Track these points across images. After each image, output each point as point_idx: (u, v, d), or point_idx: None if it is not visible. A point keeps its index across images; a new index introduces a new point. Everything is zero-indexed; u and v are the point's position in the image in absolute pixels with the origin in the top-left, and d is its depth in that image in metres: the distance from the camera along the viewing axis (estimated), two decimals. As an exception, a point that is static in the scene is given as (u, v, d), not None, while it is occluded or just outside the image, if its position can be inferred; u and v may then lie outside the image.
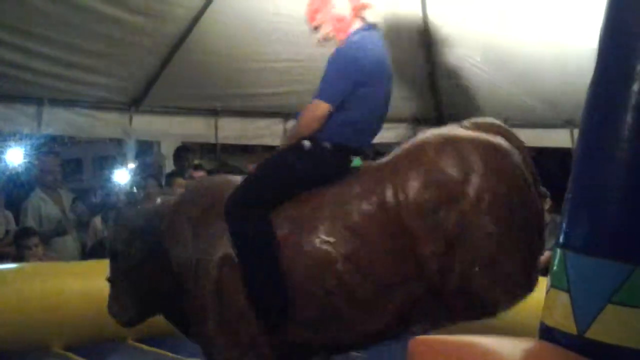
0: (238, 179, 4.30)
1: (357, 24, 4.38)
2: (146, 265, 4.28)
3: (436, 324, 3.98)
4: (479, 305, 3.83)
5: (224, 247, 3.99)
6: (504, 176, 3.78)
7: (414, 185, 3.78)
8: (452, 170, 3.76)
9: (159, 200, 4.52)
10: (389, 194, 3.81)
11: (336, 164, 4.14)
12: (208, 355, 4.23)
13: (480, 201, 3.70)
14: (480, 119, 4.14)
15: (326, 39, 4.42)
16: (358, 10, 4.41)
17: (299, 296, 3.89)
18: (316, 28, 4.44)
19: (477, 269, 3.70)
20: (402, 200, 3.77)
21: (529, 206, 3.85)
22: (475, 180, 3.72)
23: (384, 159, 4.07)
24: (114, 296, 4.54)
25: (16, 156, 7.98)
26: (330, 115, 4.12)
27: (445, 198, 3.72)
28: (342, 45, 4.29)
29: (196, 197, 4.36)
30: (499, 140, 3.90)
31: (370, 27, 4.44)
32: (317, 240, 3.87)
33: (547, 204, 6.02)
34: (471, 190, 3.71)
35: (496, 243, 3.70)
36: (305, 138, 4.15)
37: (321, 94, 4.17)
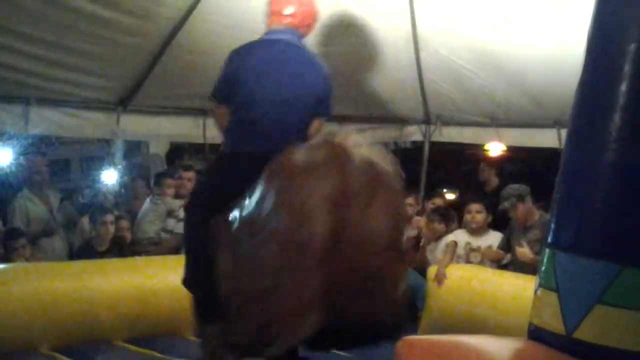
0: None
1: (275, 26, 4.54)
2: None
3: None
4: None
5: None
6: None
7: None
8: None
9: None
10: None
11: (237, 170, 4.26)
12: None
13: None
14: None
15: None
16: (278, 16, 4.57)
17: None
18: None
19: None
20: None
21: None
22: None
23: None
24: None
25: (3, 156, 7.93)
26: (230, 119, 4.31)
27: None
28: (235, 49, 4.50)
29: None
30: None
31: (289, 31, 4.52)
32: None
33: (528, 204, 6.04)
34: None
35: None
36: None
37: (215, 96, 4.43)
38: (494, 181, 8.45)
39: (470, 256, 6.98)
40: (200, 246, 4.17)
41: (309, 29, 4.71)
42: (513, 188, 6.76)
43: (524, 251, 6.39)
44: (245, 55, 4.38)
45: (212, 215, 4.17)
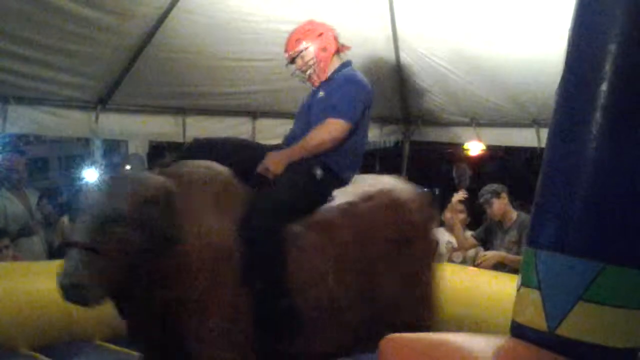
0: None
1: (336, 61, 4.63)
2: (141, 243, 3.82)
3: None
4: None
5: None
6: None
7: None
8: None
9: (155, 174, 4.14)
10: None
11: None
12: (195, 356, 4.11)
13: None
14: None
15: (303, 70, 4.61)
16: (341, 49, 4.68)
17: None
18: (293, 57, 4.62)
19: None
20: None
21: None
22: None
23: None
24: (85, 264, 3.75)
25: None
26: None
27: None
28: (353, 71, 4.55)
29: (201, 185, 4.16)
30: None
31: (348, 64, 4.67)
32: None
33: (505, 201, 6.13)
34: None
35: None
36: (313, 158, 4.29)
37: (343, 114, 4.29)
38: (467, 180, 8.49)
39: (452, 255, 7.02)
40: (281, 263, 4.04)
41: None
42: (489, 185, 6.83)
43: (485, 257, 6.51)
44: (367, 86, 4.54)
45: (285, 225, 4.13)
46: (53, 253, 7.30)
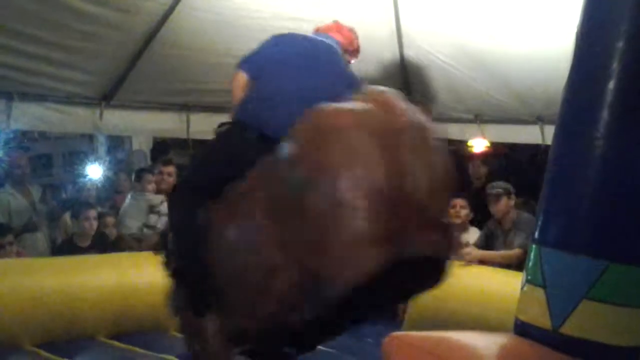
0: None
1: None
2: None
3: None
4: None
5: None
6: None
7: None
8: None
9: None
10: None
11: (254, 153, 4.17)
12: None
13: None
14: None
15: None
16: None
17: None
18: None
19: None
20: None
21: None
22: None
23: None
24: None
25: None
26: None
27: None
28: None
29: None
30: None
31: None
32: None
33: (512, 201, 6.12)
34: None
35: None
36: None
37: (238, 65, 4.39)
38: (482, 179, 8.50)
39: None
40: (195, 231, 4.01)
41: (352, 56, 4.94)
42: (502, 182, 6.82)
43: (468, 251, 6.53)
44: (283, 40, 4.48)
45: (205, 199, 4.05)
46: (56, 249, 7.31)
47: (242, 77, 4.28)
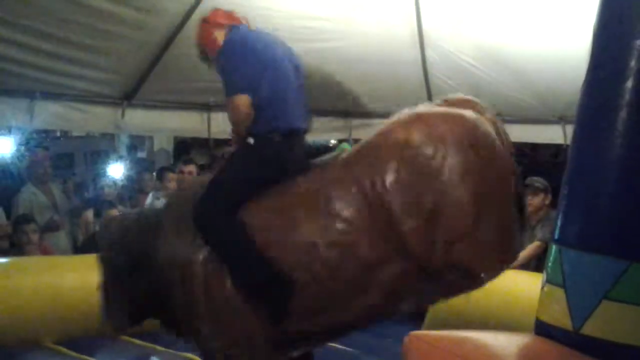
0: None
1: (222, 35, 4.47)
2: (136, 271, 4.21)
3: (428, 300, 4.03)
4: (465, 277, 3.88)
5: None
6: (474, 147, 3.79)
7: (387, 165, 3.82)
8: (422, 145, 3.79)
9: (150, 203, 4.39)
10: (365, 176, 3.87)
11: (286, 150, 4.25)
12: (206, 355, 4.25)
13: (452, 174, 3.74)
14: (451, 95, 4.18)
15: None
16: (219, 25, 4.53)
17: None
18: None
19: (458, 241, 3.72)
20: (377, 181, 3.81)
21: (502, 175, 3.86)
22: (446, 154, 3.75)
23: (360, 142, 4.22)
24: (106, 301, 4.38)
25: (6, 150, 7.95)
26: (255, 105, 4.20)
27: (418, 174, 3.76)
28: (226, 40, 4.40)
29: (180, 200, 4.35)
30: (468, 112, 3.93)
31: (236, 27, 4.52)
32: (300, 230, 3.93)
33: (548, 199, 6.08)
34: (443, 163, 3.74)
35: (473, 214, 3.73)
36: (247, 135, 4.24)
37: (230, 90, 4.27)
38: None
39: None
40: (243, 245, 3.99)
41: None
42: (543, 179, 6.78)
43: None
44: (252, 43, 4.40)
45: (236, 206, 4.08)
46: (78, 248, 7.35)
47: (243, 98, 4.21)
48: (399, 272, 3.84)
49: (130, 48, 6.85)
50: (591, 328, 2.52)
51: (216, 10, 4.58)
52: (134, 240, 4.25)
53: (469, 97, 4.18)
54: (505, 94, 7.70)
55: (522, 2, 6.45)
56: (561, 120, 7.68)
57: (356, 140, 9.45)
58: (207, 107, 7.91)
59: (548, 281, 2.71)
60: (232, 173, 4.25)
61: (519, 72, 7.29)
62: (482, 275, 3.93)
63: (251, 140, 4.21)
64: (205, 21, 4.57)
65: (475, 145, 3.80)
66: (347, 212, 3.87)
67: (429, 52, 7.60)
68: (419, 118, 3.97)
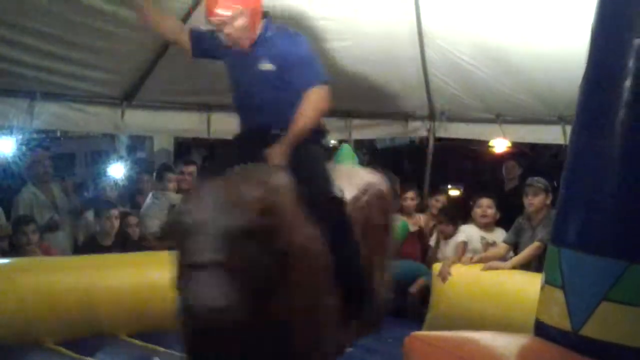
0: None
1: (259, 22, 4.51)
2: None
3: None
4: None
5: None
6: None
7: None
8: None
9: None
10: None
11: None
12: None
13: None
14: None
15: (238, 34, 4.44)
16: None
17: None
18: (226, 20, 4.40)
19: None
20: None
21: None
22: None
23: None
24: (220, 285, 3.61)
25: (7, 150, 7.95)
26: None
27: None
28: (299, 33, 4.54)
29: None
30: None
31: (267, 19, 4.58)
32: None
33: (549, 199, 6.11)
34: None
35: None
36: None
37: (320, 79, 4.35)
38: (515, 180, 8.54)
39: (489, 250, 6.98)
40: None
41: None
42: (544, 179, 6.78)
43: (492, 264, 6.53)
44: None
45: None
46: (78, 248, 7.36)
47: (328, 91, 4.34)
48: None
49: (130, 48, 6.85)
50: (590, 329, 2.52)
51: None
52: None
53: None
54: (505, 93, 7.71)
55: (521, 1, 6.44)
56: (561, 120, 7.69)
57: (357, 141, 9.50)
58: (207, 108, 7.91)
59: (547, 282, 2.71)
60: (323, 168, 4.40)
61: (519, 72, 7.29)
62: None
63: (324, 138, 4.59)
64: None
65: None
66: None
67: (428, 52, 7.59)
68: None
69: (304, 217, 4.02)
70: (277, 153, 4.18)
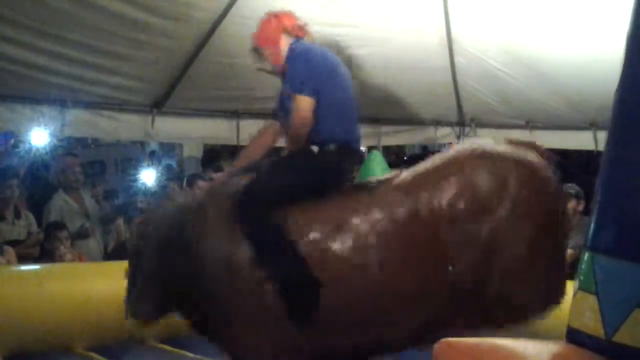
0: None
1: (285, 42, 4.49)
2: (169, 261, 4.12)
3: (475, 329, 4.02)
4: (516, 312, 3.93)
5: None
6: (535, 189, 3.90)
7: (448, 196, 3.87)
8: (487, 183, 3.87)
9: (186, 196, 4.31)
10: (423, 202, 3.89)
11: (342, 163, 4.32)
12: (237, 358, 4.20)
13: (514, 214, 3.81)
14: (514, 138, 4.37)
15: (267, 68, 4.59)
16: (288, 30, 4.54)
17: (327, 300, 3.90)
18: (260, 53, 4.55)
19: (514, 278, 3.80)
20: (436, 210, 3.85)
21: (557, 221, 3.98)
22: (509, 193, 3.83)
23: (415, 168, 4.14)
24: (133, 292, 4.26)
25: (38, 157, 8.03)
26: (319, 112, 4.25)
27: (479, 209, 3.83)
28: (298, 49, 4.43)
29: (226, 192, 4.24)
30: (531, 155, 4.03)
31: (299, 39, 4.54)
32: (346, 245, 3.92)
33: (581, 205, 6.06)
34: (506, 202, 3.82)
35: (531, 253, 3.83)
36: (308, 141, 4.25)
37: (294, 89, 4.27)
38: None
39: None
40: (281, 233, 3.99)
41: None
42: (575, 185, 6.74)
43: None
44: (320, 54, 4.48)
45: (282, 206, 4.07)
46: (108, 254, 7.40)
47: (308, 100, 4.23)
48: (445, 302, 3.89)
49: (160, 56, 6.89)
50: (624, 336, 2.49)
51: (289, 14, 4.61)
52: (174, 227, 4.16)
53: (533, 141, 4.33)
54: (536, 99, 7.68)
55: (551, 7, 6.41)
56: (592, 126, 7.65)
57: (385, 148, 9.48)
58: (236, 115, 7.94)
59: (580, 288, 2.68)
60: (289, 174, 4.23)
61: (549, 78, 7.26)
62: (529, 314, 4.01)
63: (315, 149, 4.24)
64: (276, 17, 4.58)
65: (537, 189, 3.92)
66: (399, 237, 3.91)
67: (458, 59, 7.58)
68: (485, 154, 4.02)
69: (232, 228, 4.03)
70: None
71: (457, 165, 3.99)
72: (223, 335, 4.17)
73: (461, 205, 3.84)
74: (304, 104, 4.21)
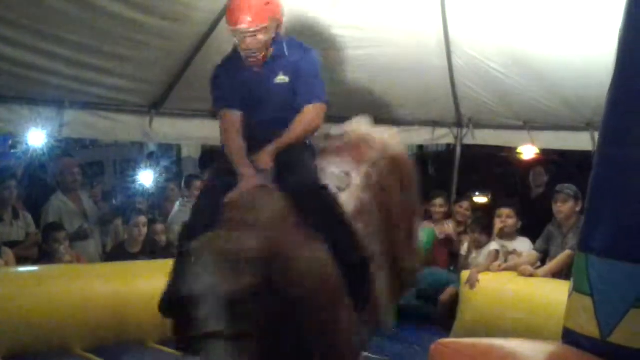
0: None
1: (273, 28, 4.65)
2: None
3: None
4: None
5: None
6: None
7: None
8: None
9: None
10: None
11: None
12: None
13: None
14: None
15: (258, 47, 4.62)
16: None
17: None
18: (252, 32, 4.57)
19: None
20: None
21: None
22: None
23: None
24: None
25: (36, 158, 8.02)
26: None
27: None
28: (310, 48, 4.68)
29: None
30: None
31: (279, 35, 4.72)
32: None
33: (579, 206, 6.08)
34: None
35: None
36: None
37: (321, 97, 4.55)
38: (542, 187, 8.51)
39: (508, 259, 6.98)
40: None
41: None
42: (573, 186, 6.75)
43: (525, 268, 6.50)
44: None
45: None
46: (107, 255, 7.40)
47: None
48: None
49: (158, 57, 6.89)
50: (619, 337, 2.50)
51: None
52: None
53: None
54: (533, 100, 7.68)
55: (548, 8, 6.41)
56: (589, 126, 7.64)
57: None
58: (234, 115, 7.93)
59: (575, 289, 2.70)
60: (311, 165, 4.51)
61: (546, 78, 7.26)
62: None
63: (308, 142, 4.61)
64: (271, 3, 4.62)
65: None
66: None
67: (455, 60, 7.57)
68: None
69: (304, 235, 4.12)
70: (263, 160, 4.43)
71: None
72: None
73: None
74: (322, 112, 4.53)
